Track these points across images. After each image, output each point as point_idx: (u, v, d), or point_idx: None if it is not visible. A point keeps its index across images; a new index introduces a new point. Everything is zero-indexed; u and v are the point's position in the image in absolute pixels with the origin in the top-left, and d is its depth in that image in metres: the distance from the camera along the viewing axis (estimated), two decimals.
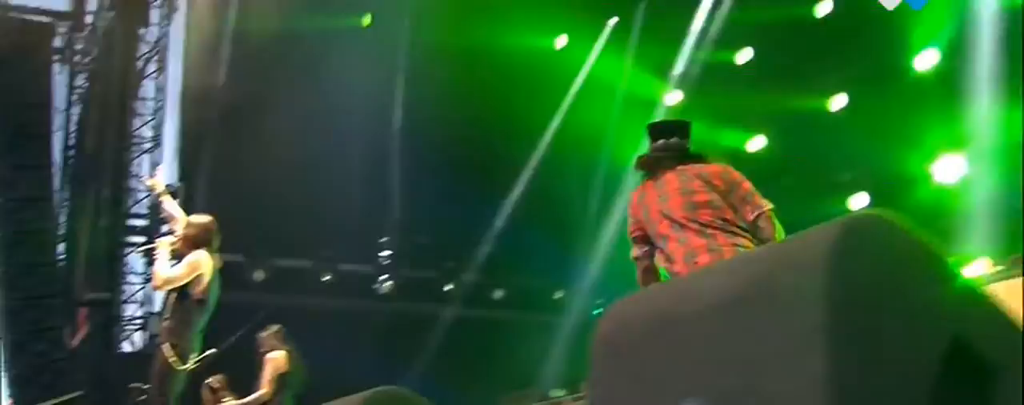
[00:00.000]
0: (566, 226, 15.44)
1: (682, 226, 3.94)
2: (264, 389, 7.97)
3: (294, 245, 15.45)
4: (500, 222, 15.79)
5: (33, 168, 12.62)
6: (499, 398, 13.30)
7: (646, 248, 4.11)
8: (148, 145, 15.64)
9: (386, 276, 15.75)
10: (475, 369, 14.51)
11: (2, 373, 12.59)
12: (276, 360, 8.04)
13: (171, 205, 6.90)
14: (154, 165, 15.40)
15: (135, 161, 15.70)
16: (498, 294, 15.99)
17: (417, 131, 15.63)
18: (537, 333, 14.98)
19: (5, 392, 12.78)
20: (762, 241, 3.87)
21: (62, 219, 16.19)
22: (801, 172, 12.71)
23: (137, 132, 15.73)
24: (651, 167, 4.17)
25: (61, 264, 14.59)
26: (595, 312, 16.11)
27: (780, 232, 3.93)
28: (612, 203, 14.38)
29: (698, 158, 4.18)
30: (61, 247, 15.12)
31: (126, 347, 14.76)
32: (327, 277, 15.26)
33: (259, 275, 14.62)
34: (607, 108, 15.18)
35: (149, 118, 15.80)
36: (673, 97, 15.16)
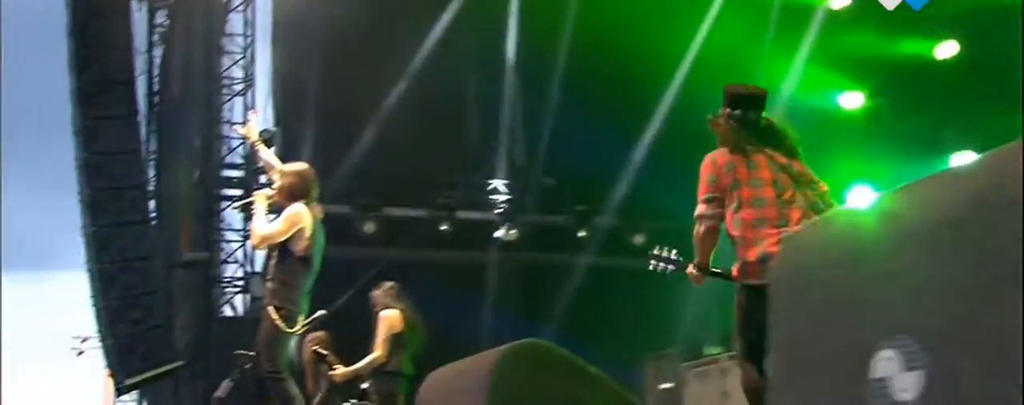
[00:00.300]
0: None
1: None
2: (377, 352, 8.13)
3: (406, 193, 15.68)
4: (638, 157, 15.62)
5: (117, 118, 12.99)
6: (643, 357, 13.26)
7: (718, 210, 4.85)
8: (239, 87, 15.97)
9: (510, 224, 15.83)
10: (614, 325, 14.55)
11: (100, 342, 13.23)
12: (390, 319, 8.18)
13: (267, 154, 7.05)
14: (247, 109, 15.76)
15: (226, 105, 16.08)
16: (639, 239, 15.86)
17: (535, 59, 15.55)
18: (686, 282, 14.83)
19: (103, 362, 13.44)
20: None
21: (151, 173, 16.77)
22: (1006, 81, 12.04)
23: (226, 73, 16.07)
24: (740, 143, 4.90)
25: (153, 223, 15.13)
26: None
27: None
28: None
29: (779, 139, 4.97)
30: (151, 204, 15.65)
31: (227, 311, 15.32)
32: (444, 227, 15.43)
33: (369, 227, 14.91)
34: (758, 20, 14.73)
35: (239, 57, 16.11)
36: (839, 0, 14.59)
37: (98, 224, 12.64)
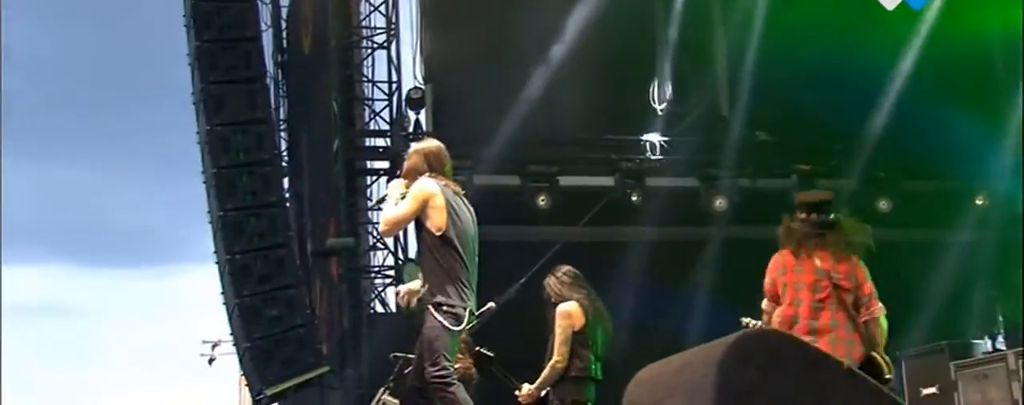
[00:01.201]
0: (985, 98, 14.54)
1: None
2: (556, 357, 8.02)
3: (585, 158, 15.59)
4: (884, 100, 15.15)
5: (242, 82, 13.26)
6: (899, 354, 12.83)
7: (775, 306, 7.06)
8: (381, 38, 16.12)
9: (716, 190, 15.52)
10: None
11: (234, 346, 13.58)
12: (569, 313, 8.08)
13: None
14: (390, 63, 15.88)
15: (366, 61, 16.27)
16: (883, 205, 15.38)
17: None
18: (947, 258, 14.33)
19: (238, 369, 13.81)
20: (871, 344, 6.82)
21: (283, 146, 17.11)
22: None
23: (365, 22, 16.25)
24: (795, 242, 7.09)
25: (289, 205, 15.42)
26: None
27: (885, 336, 6.87)
28: None
29: (837, 238, 7.04)
30: (285, 182, 15.95)
31: (378, 307, 15.51)
32: (634, 198, 15.26)
33: (542, 200, 14.85)
34: None
35: (380, 2, 16.25)
36: None
37: (226, 208, 12.94)
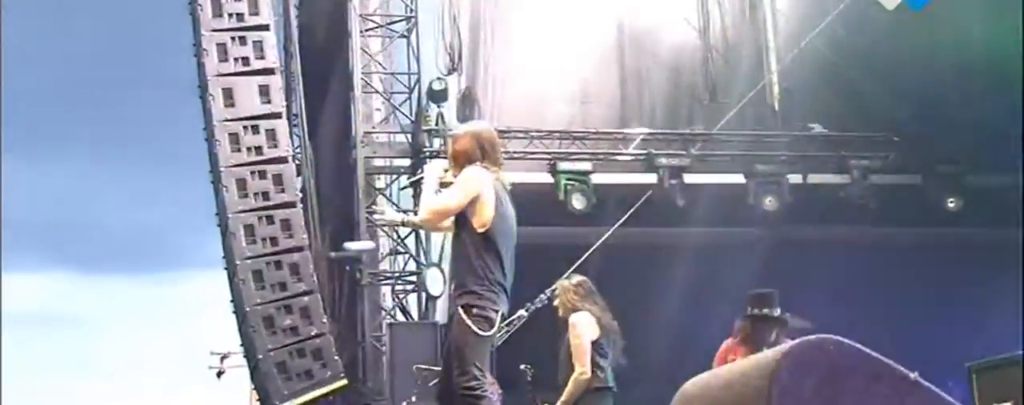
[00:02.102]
0: None
1: None
2: (580, 369, 8.07)
3: (617, 152, 15.57)
4: (947, 88, 14.99)
5: (253, 73, 13.27)
6: (968, 364, 12.79)
7: None
8: (401, 25, 16.13)
9: (766, 187, 15.45)
10: (920, 320, 14.04)
11: (244, 358, 13.61)
12: (584, 323, 8.14)
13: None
14: (410, 54, 15.88)
15: (385, 51, 16.27)
16: (951, 204, 15.37)
17: None
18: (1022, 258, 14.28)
19: (249, 383, 13.81)
20: None
21: (297, 143, 17.13)
22: None
23: (384, 8, 16.26)
24: (746, 336, 8.31)
25: (303, 205, 15.46)
26: None
27: None
28: None
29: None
30: (299, 182, 15.98)
31: (398, 315, 15.51)
32: (676, 196, 15.21)
33: (577, 201, 14.85)
34: None
35: None
36: None
37: (237, 209, 12.92)
